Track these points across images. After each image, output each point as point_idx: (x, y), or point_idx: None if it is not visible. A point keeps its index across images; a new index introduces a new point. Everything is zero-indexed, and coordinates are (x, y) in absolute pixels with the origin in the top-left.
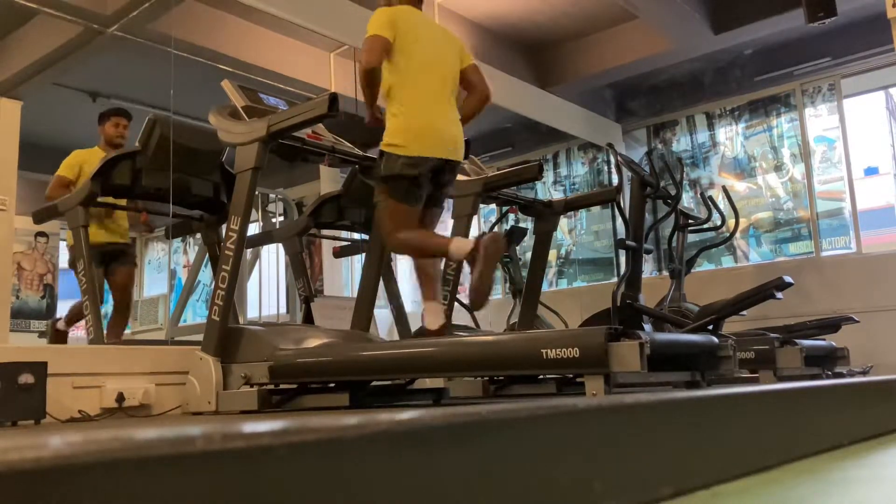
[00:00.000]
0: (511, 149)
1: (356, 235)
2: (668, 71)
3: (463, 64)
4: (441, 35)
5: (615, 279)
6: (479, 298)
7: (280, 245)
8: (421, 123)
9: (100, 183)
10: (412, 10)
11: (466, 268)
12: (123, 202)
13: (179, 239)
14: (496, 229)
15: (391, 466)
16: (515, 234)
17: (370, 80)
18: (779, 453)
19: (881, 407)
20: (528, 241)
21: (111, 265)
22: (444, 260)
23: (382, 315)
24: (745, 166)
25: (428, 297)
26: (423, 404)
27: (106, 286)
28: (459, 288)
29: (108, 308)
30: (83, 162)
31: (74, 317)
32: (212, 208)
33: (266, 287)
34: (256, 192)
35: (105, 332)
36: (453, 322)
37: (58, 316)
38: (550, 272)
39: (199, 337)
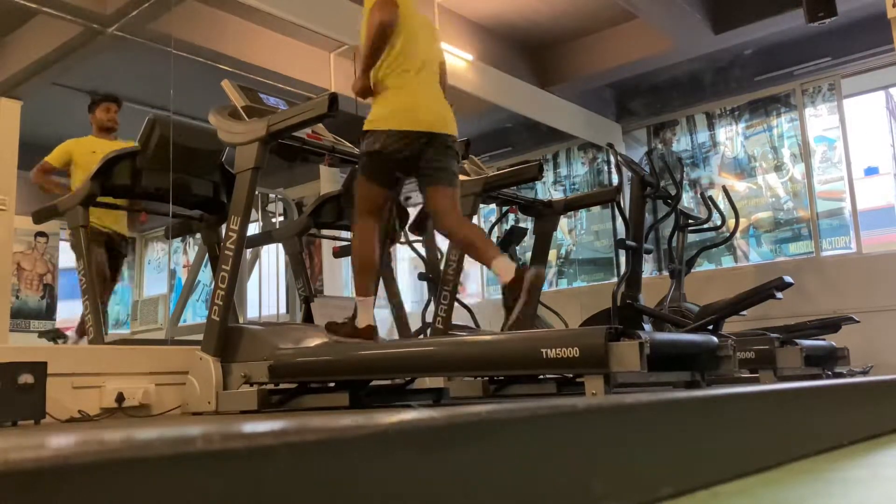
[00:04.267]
0: (511, 149)
1: None
2: (668, 71)
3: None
4: (426, 23)
5: (615, 279)
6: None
7: (280, 245)
8: (406, 100)
9: (100, 183)
10: None
11: (466, 268)
12: (123, 202)
13: (179, 239)
14: (495, 230)
15: (391, 466)
16: (515, 234)
17: (382, 38)
18: (779, 453)
19: (881, 407)
20: (528, 241)
21: (114, 259)
22: (443, 259)
23: (382, 315)
24: (745, 166)
25: (360, 293)
26: (423, 404)
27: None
28: (460, 288)
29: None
30: (73, 151)
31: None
32: (212, 208)
33: (266, 287)
34: (256, 192)
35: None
36: (453, 322)
37: (62, 326)
38: (550, 272)
39: (199, 337)
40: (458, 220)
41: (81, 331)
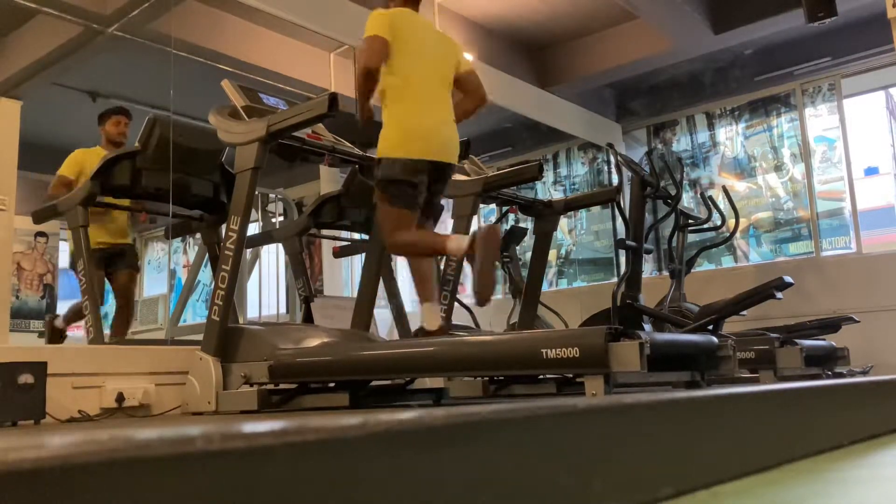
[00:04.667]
0: (511, 149)
1: (356, 235)
2: (668, 71)
3: (460, 69)
4: (438, 38)
5: (615, 279)
6: (482, 293)
7: (280, 245)
8: (416, 126)
9: (100, 183)
10: (410, 13)
11: (467, 267)
12: (125, 202)
13: (179, 239)
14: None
15: (391, 466)
16: (515, 234)
17: (368, 80)
18: (779, 453)
19: (881, 407)
20: (528, 241)
21: (113, 266)
22: (443, 260)
23: (382, 315)
24: (745, 166)
25: (426, 298)
26: (423, 404)
27: (108, 288)
28: (459, 287)
29: (107, 309)
30: (84, 161)
31: (73, 316)
32: (212, 208)
33: (266, 287)
34: (256, 192)
35: (109, 333)
36: (453, 322)
37: (57, 313)
38: (550, 272)
39: (199, 337)
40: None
41: (69, 318)
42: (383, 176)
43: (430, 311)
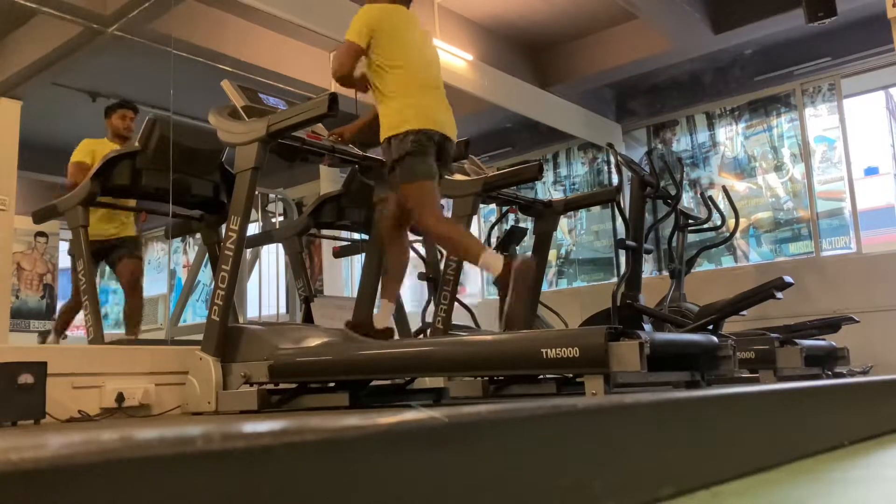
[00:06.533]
0: (511, 149)
1: (356, 235)
2: (668, 71)
3: None
4: (427, 37)
5: (615, 279)
6: (513, 326)
7: (280, 245)
8: (417, 102)
9: (100, 183)
10: (399, 9)
11: (466, 268)
12: (130, 203)
13: (179, 239)
14: (495, 230)
15: (391, 466)
16: (515, 234)
17: (343, 84)
18: (779, 453)
19: (881, 407)
20: (528, 241)
21: (116, 257)
22: (443, 260)
23: None
24: (745, 166)
25: (389, 298)
26: (423, 404)
27: (106, 288)
28: (459, 288)
29: (106, 309)
30: (95, 149)
31: (62, 326)
32: (212, 208)
33: (266, 287)
34: (256, 192)
35: (125, 329)
36: (453, 322)
37: (49, 328)
38: (550, 272)
39: (199, 337)
40: (439, 217)
41: (59, 330)
42: (397, 153)
43: (387, 309)
